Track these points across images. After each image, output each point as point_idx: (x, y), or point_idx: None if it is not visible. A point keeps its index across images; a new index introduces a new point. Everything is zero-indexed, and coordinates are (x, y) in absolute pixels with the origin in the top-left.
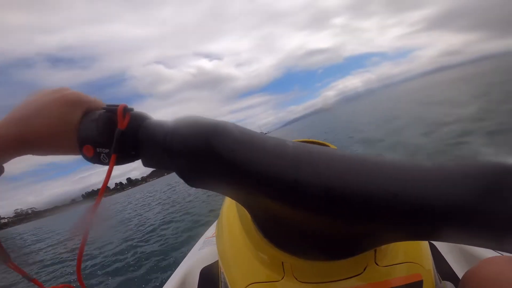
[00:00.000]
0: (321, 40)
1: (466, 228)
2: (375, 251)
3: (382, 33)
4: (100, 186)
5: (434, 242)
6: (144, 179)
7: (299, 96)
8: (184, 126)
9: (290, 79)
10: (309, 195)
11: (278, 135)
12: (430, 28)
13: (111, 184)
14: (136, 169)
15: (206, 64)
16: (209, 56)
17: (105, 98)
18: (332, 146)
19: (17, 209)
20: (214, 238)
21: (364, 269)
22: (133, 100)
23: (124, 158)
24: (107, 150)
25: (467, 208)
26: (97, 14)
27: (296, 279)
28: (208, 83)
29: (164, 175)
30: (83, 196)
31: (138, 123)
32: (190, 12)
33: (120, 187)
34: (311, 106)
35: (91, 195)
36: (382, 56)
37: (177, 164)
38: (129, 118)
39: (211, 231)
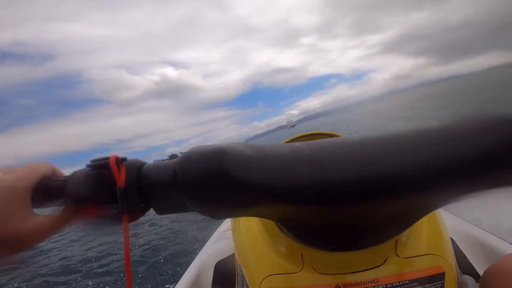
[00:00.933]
0: (288, 58)
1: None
2: (396, 242)
3: (343, 54)
4: None
5: (454, 237)
6: None
7: (264, 113)
8: (192, 159)
9: (256, 95)
10: (336, 193)
11: None
12: (385, 51)
13: None
14: None
15: (171, 73)
16: (176, 65)
17: (54, 99)
18: (339, 135)
19: None
20: (228, 232)
21: (385, 261)
22: (87, 104)
23: (134, 214)
24: (114, 210)
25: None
26: (59, 10)
27: (315, 270)
28: (172, 92)
29: None
30: None
31: (136, 171)
32: (162, 19)
33: None
34: (274, 123)
35: None
36: (339, 78)
37: (196, 200)
38: (125, 170)
39: (225, 225)
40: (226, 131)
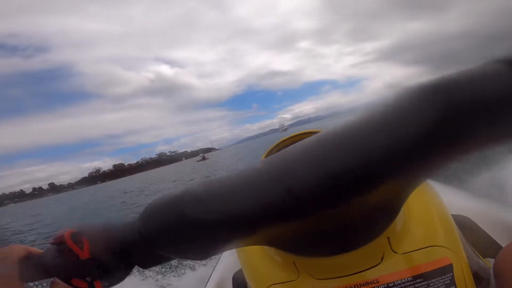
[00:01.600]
0: (284, 62)
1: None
2: (388, 238)
3: (338, 61)
4: (12, 190)
5: (472, 216)
6: (71, 186)
7: (256, 115)
8: (150, 214)
9: (250, 98)
10: (305, 200)
11: (231, 152)
12: (380, 59)
13: (28, 188)
14: (69, 172)
15: (166, 71)
16: (171, 63)
17: (43, 92)
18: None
19: None
20: None
21: (382, 259)
22: (76, 98)
23: (113, 277)
24: (104, 281)
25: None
26: (55, 2)
27: (312, 276)
28: (165, 90)
29: (98, 183)
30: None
31: (101, 237)
32: (160, 16)
33: (38, 192)
34: (266, 126)
35: (0, 199)
36: (333, 84)
37: (169, 250)
38: (88, 241)
39: None
40: (217, 132)
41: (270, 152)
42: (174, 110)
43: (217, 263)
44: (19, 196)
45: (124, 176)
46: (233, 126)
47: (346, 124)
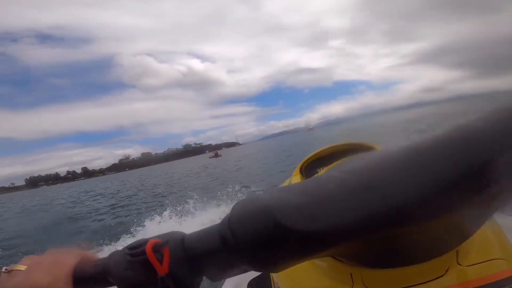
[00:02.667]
0: (314, 60)
1: None
2: (457, 251)
3: (373, 62)
4: (49, 172)
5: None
6: (101, 171)
7: (282, 113)
8: (241, 220)
9: (277, 94)
10: (405, 211)
11: (256, 148)
12: (419, 62)
13: (63, 171)
14: (102, 158)
15: (197, 65)
16: (202, 58)
17: (85, 81)
18: (374, 146)
19: None
20: None
21: (446, 271)
22: (114, 88)
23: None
24: None
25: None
26: None
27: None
28: (196, 84)
29: (126, 170)
30: (26, 181)
31: (180, 249)
32: (192, 10)
33: (71, 176)
34: (292, 124)
35: (35, 182)
36: (367, 85)
37: (255, 260)
38: (168, 253)
39: None
40: (243, 127)
41: (309, 160)
42: (203, 103)
43: None
44: (54, 179)
45: (151, 165)
46: (258, 122)
47: (443, 135)
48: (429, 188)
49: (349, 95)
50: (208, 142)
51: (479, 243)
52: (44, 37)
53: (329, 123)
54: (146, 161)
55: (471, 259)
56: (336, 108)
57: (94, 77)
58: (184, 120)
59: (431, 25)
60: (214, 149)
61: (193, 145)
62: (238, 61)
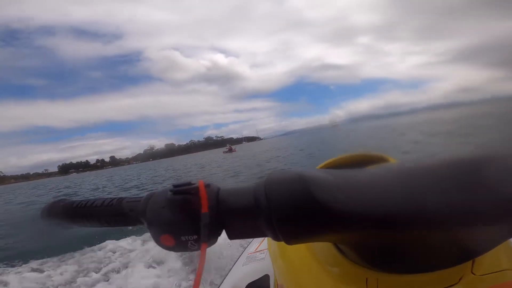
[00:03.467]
0: (340, 56)
1: None
2: (473, 261)
3: (402, 60)
4: (80, 160)
5: None
6: (127, 161)
7: (305, 109)
8: (277, 184)
9: (300, 90)
10: (430, 219)
11: (278, 143)
12: (454, 60)
13: (93, 159)
14: (129, 147)
15: (221, 60)
16: (226, 52)
17: (116, 74)
18: (391, 160)
19: None
20: (258, 254)
21: (460, 279)
22: (142, 80)
23: (211, 239)
24: (194, 237)
25: None
26: None
27: None
28: (220, 78)
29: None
30: (58, 167)
31: (216, 197)
32: (217, 6)
33: (100, 164)
34: (315, 121)
35: (66, 168)
36: (394, 83)
37: (282, 226)
38: (207, 196)
39: (253, 246)
40: (264, 121)
41: (328, 165)
42: (226, 97)
43: (229, 272)
44: (84, 166)
45: (173, 156)
46: (280, 117)
47: (481, 156)
48: (464, 201)
49: (375, 93)
50: (230, 136)
51: (492, 252)
52: (80, 32)
53: (354, 120)
54: (169, 152)
55: (484, 269)
56: (362, 106)
57: (124, 70)
58: (207, 113)
59: (469, 22)
60: (236, 142)
61: (214, 138)
62: (261, 56)
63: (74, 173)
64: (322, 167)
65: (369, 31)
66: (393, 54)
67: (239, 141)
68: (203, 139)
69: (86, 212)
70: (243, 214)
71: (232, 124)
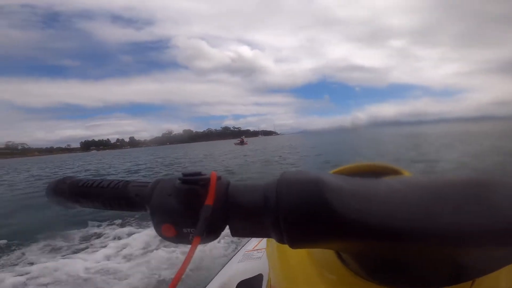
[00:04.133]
0: (369, 58)
1: None
2: (474, 280)
3: (437, 66)
4: (102, 138)
5: None
6: (145, 143)
7: (326, 108)
8: (289, 185)
9: (323, 88)
10: (445, 237)
11: (290, 139)
12: (496, 70)
13: (113, 139)
14: (148, 130)
15: (246, 52)
16: (251, 45)
17: (145, 59)
18: (406, 173)
19: (9, 142)
20: (255, 252)
21: None
22: (169, 67)
23: (211, 234)
24: (190, 229)
25: None
26: None
27: None
28: (243, 70)
29: (167, 144)
30: (81, 144)
31: (225, 190)
32: None
33: (120, 143)
34: (335, 121)
35: (88, 145)
36: (425, 90)
37: (285, 227)
38: (214, 189)
39: (251, 244)
40: (283, 117)
41: (342, 171)
42: (248, 90)
43: (223, 267)
44: (104, 145)
45: (189, 142)
46: (299, 114)
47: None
48: (473, 221)
49: (402, 98)
50: (247, 128)
51: (493, 274)
52: (116, 17)
53: (376, 125)
54: (186, 137)
55: (485, 287)
56: (386, 110)
57: (153, 56)
58: (227, 103)
59: None
60: (252, 135)
61: (231, 129)
62: (287, 51)
63: (94, 151)
64: (336, 173)
65: (404, 34)
66: (427, 59)
67: (255, 134)
68: (220, 129)
69: (91, 193)
70: (249, 211)
71: (250, 117)
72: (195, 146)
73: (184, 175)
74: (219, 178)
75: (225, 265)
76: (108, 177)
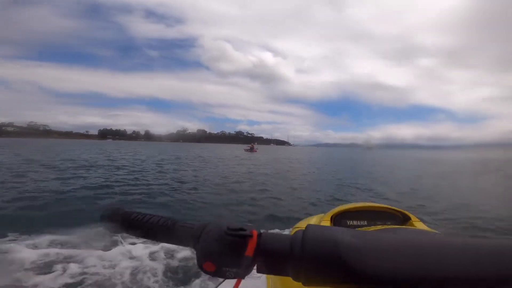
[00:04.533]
0: (394, 77)
1: None
2: None
3: (466, 90)
4: (119, 128)
5: None
6: (159, 138)
7: (342, 124)
8: (313, 238)
9: (342, 105)
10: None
11: (302, 152)
12: None
13: (130, 130)
14: (164, 125)
15: (269, 58)
16: (275, 52)
17: (170, 56)
18: (414, 218)
19: (32, 122)
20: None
21: None
22: (192, 66)
23: (248, 273)
24: (234, 269)
25: None
26: None
27: None
28: (263, 77)
29: (180, 141)
30: (99, 131)
31: (258, 242)
32: (276, 5)
33: (135, 135)
34: (349, 138)
35: (105, 134)
36: (449, 115)
37: (305, 272)
38: (255, 242)
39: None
40: (297, 129)
41: (342, 210)
42: (266, 97)
43: (222, 282)
44: (120, 135)
45: (201, 142)
46: (314, 128)
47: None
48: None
49: (423, 121)
50: (260, 135)
51: None
52: (150, 13)
53: (390, 146)
54: (199, 137)
55: None
56: (403, 132)
57: (178, 53)
58: (243, 108)
59: None
60: (264, 143)
61: (245, 133)
62: (309, 62)
63: (110, 140)
64: (343, 211)
65: (436, 53)
66: (456, 82)
67: (267, 142)
68: (234, 132)
69: (141, 226)
70: (277, 256)
71: (265, 124)
72: (208, 146)
73: (229, 229)
74: (259, 235)
75: (221, 283)
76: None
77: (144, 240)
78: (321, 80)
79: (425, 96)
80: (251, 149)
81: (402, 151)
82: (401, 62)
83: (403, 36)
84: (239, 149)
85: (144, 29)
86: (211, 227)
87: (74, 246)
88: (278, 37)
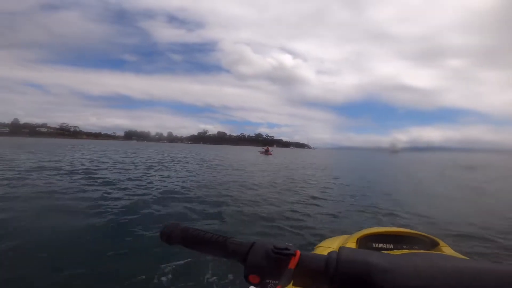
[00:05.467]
0: (420, 78)
1: None
2: None
3: (500, 91)
4: (143, 129)
5: None
6: (181, 139)
7: (364, 127)
8: (347, 259)
9: (365, 108)
10: None
11: (322, 155)
12: None
13: (153, 131)
14: (186, 127)
15: (288, 60)
16: (294, 54)
17: (192, 60)
18: (442, 243)
19: (63, 123)
20: None
21: None
22: (212, 70)
23: (286, 284)
24: (276, 282)
25: None
26: None
27: None
28: (283, 79)
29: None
30: (125, 132)
31: (298, 260)
32: (294, 6)
33: (158, 137)
34: (373, 141)
35: (130, 135)
36: (482, 117)
37: (335, 286)
38: (297, 260)
39: None
40: (318, 131)
41: (369, 233)
42: (285, 99)
43: None
44: (144, 136)
45: (222, 144)
46: (335, 130)
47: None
48: None
49: (452, 123)
50: (280, 137)
51: None
52: (172, 18)
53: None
54: (219, 139)
55: None
56: (430, 134)
57: (199, 57)
58: (263, 111)
59: None
60: (284, 145)
61: (264, 136)
62: (330, 63)
63: (134, 141)
64: (369, 234)
65: (464, 54)
66: (488, 83)
67: (287, 144)
68: (253, 135)
69: (197, 241)
70: (313, 272)
71: (284, 127)
72: (224, 148)
73: (276, 248)
74: (302, 255)
75: None
76: None
77: (198, 252)
78: (342, 81)
79: (454, 98)
80: (266, 152)
81: (430, 154)
82: (427, 63)
83: (428, 36)
84: (254, 151)
85: (167, 34)
86: (258, 245)
87: None
88: (297, 39)
